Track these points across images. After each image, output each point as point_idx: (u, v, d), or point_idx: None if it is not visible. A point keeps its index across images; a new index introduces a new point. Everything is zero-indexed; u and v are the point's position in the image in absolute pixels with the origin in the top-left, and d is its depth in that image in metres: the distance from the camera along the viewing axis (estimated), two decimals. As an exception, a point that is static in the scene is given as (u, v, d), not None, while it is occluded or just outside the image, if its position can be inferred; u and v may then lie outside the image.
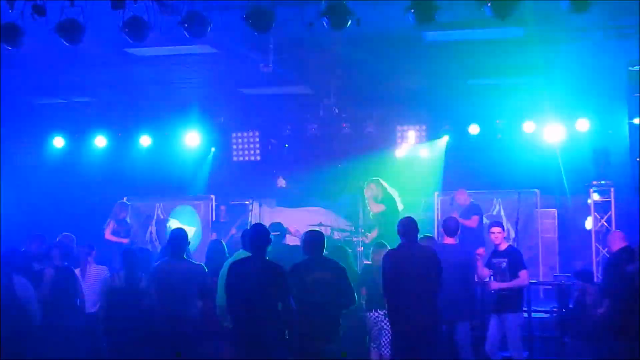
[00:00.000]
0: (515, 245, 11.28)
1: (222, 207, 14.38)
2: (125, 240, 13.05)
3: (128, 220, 13.53)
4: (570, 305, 10.12)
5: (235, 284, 7.16)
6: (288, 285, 7.14)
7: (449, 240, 9.02)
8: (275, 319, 7.00)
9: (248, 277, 7.07)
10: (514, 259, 9.25)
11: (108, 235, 13.05)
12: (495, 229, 9.50)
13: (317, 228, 11.59)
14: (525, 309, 9.75)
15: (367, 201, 11.93)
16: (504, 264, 9.17)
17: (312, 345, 7.20)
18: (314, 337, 7.22)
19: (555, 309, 10.62)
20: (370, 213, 11.85)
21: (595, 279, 9.81)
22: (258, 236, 7.29)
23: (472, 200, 12.87)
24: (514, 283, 9.15)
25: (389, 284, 7.87)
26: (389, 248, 8.63)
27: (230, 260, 7.83)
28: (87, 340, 8.60)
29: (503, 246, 9.40)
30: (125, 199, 14.08)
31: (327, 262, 7.62)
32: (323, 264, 7.55)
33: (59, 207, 14.87)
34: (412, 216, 8.20)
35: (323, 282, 7.36)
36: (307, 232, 7.90)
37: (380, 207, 11.75)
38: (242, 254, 7.97)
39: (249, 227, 9.96)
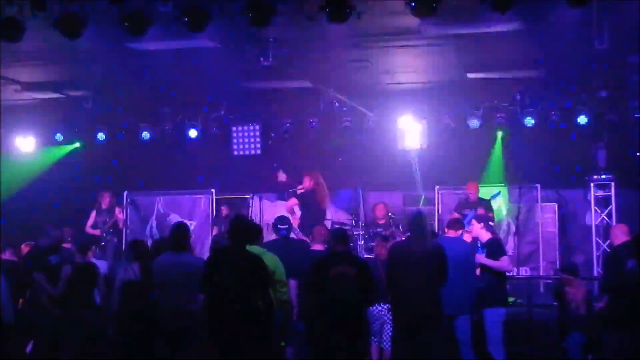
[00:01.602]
0: (515, 240, 11.22)
1: (223, 209, 14.29)
2: (97, 232, 12.95)
3: (117, 210, 13.33)
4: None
5: (212, 275, 7.07)
6: (266, 278, 7.07)
7: (450, 233, 9.11)
8: (253, 311, 6.89)
9: (224, 269, 7.01)
10: (492, 248, 9.21)
11: (87, 228, 12.99)
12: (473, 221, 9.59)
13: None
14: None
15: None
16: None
17: (337, 341, 7.19)
18: (339, 332, 7.21)
19: (555, 304, 10.61)
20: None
21: (580, 274, 9.69)
22: (236, 228, 7.24)
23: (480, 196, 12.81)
24: (497, 264, 9.08)
25: (393, 275, 7.88)
26: (391, 241, 8.64)
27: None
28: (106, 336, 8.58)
29: (484, 238, 9.39)
30: (125, 193, 14.05)
31: (352, 257, 7.66)
32: (348, 258, 7.57)
33: (59, 203, 14.87)
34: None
35: (347, 276, 7.33)
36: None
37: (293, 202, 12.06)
38: None
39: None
